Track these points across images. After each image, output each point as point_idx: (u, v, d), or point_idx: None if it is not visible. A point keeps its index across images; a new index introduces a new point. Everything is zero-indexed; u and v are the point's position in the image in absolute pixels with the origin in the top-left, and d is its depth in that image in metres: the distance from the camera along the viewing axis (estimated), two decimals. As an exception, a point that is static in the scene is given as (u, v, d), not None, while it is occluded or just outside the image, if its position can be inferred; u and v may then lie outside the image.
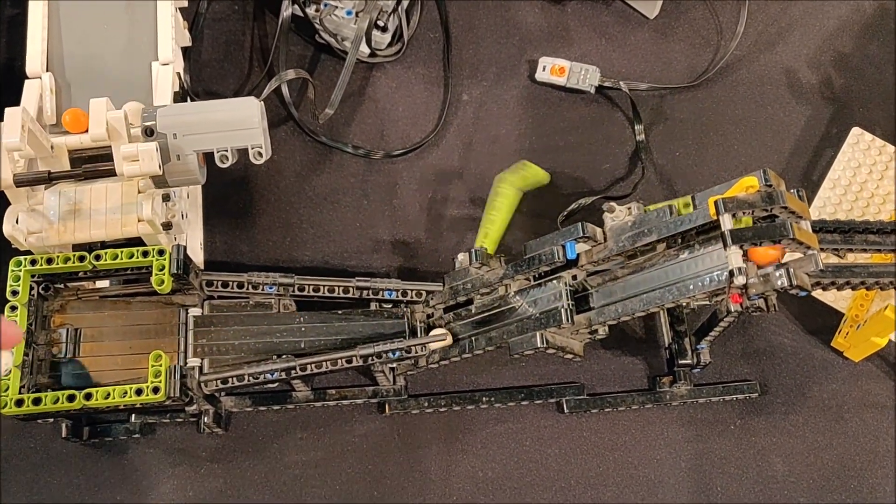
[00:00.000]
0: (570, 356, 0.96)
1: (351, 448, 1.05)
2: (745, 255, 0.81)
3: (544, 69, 1.23)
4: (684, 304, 0.92)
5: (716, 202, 0.82)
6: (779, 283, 0.81)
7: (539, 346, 0.92)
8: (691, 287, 0.86)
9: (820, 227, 0.92)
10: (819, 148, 1.22)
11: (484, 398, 1.07)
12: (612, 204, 0.92)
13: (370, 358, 0.96)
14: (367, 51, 1.23)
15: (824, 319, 1.11)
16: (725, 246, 0.81)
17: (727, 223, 0.81)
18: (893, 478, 1.04)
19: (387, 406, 1.06)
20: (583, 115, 1.23)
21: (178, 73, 1.03)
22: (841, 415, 1.07)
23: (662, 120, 1.23)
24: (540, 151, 1.21)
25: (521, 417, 1.07)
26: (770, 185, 0.82)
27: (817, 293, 1.11)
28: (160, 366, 0.89)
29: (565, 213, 1.12)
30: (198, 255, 1.12)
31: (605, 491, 1.04)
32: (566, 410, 1.06)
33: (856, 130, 1.21)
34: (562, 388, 1.07)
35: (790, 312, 1.12)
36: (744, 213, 0.82)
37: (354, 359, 0.96)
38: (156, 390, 0.88)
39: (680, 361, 1.03)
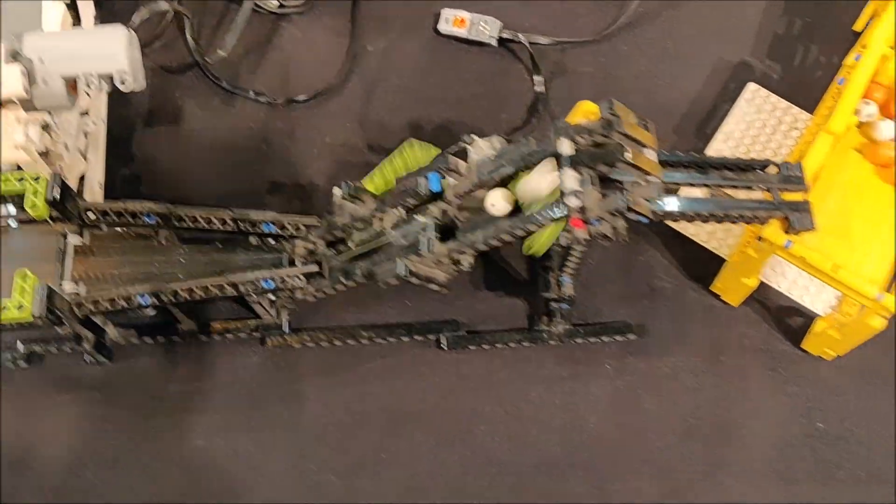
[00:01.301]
0: (435, 287, 0.97)
1: (232, 380, 1.08)
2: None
3: (447, 21, 1.25)
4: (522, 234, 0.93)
5: (554, 126, 0.84)
6: (614, 204, 0.82)
7: (401, 273, 0.94)
8: (538, 216, 0.87)
9: (676, 162, 0.93)
10: (717, 102, 1.23)
11: (364, 333, 1.09)
12: (473, 136, 0.93)
13: (241, 286, 0.99)
14: (276, 2, 1.26)
15: (708, 266, 1.12)
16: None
17: (564, 147, 0.83)
18: (766, 420, 1.06)
19: (268, 339, 1.08)
20: (484, 66, 1.25)
21: (70, 6, 1.05)
22: (717, 357, 1.09)
23: (563, 73, 1.25)
24: (440, 101, 1.23)
25: (401, 353, 1.09)
26: (615, 115, 0.84)
27: (702, 239, 1.13)
28: (26, 284, 0.92)
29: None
30: (97, 195, 1.14)
31: (479, 425, 1.06)
32: (445, 347, 1.08)
33: (751, 86, 1.22)
34: (441, 325, 1.09)
35: (674, 258, 1.14)
36: (582, 137, 0.83)
37: (225, 287, 0.99)
38: (20, 307, 0.91)
39: (544, 294, 1.04)
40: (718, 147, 1.19)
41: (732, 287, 1.08)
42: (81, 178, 1.11)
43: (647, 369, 1.09)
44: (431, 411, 1.07)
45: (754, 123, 1.20)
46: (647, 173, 0.84)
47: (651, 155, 0.85)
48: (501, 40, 1.25)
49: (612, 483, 1.03)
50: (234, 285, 0.99)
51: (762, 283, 1.08)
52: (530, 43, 1.23)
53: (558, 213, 0.83)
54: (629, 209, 0.83)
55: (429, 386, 1.08)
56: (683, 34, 1.27)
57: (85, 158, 1.12)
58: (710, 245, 1.13)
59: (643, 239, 1.15)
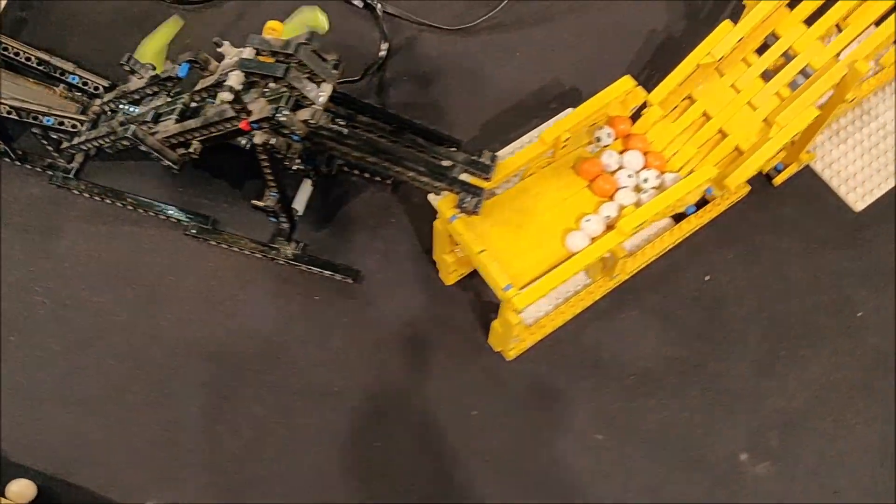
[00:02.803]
0: (165, 162, 1.10)
1: (10, 200, 1.24)
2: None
3: (325, -27, 1.39)
4: (225, 130, 1.04)
5: (249, 38, 0.96)
6: (267, 111, 0.94)
7: (128, 136, 1.07)
8: (224, 113, 0.99)
9: (362, 107, 1.04)
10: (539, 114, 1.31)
11: (130, 199, 1.23)
12: (219, 39, 1.06)
13: (25, 114, 1.15)
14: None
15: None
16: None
17: (245, 53, 0.95)
18: (439, 400, 1.13)
19: (53, 177, 1.24)
20: (345, 21, 1.38)
21: None
22: (409, 324, 1.17)
23: (411, 49, 1.36)
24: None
25: (156, 227, 1.23)
26: (305, 43, 0.95)
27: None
28: None
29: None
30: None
31: (177, 302, 1.18)
32: (190, 233, 1.21)
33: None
34: (196, 216, 1.22)
35: (425, 228, 1.21)
36: (265, 51, 0.95)
37: (11, 110, 1.15)
38: None
39: (252, 202, 1.14)
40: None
41: (441, 262, 1.16)
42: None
43: (346, 311, 1.18)
44: (154, 278, 1.19)
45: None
46: (313, 103, 0.95)
47: (325, 88, 0.96)
48: (366, 4, 1.37)
49: (265, 375, 1.13)
50: (19, 111, 1.16)
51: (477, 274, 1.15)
52: (384, 13, 1.35)
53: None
54: (276, 121, 0.94)
55: (163, 259, 1.20)
56: (532, 39, 1.37)
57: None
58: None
59: (402, 205, 1.24)
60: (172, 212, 1.23)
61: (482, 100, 1.33)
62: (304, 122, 0.95)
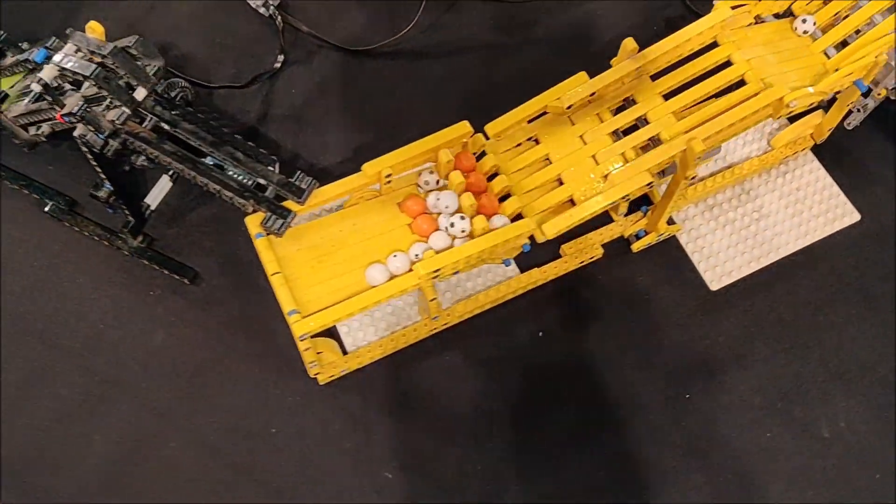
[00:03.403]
0: (17, 141, 1.13)
1: None
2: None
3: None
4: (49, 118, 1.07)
5: (70, 34, 0.98)
6: (75, 106, 0.96)
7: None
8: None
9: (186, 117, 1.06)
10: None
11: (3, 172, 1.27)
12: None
13: None
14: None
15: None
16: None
17: (65, 49, 0.98)
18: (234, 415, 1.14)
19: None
20: (249, 28, 1.40)
21: None
22: (236, 334, 1.18)
23: (307, 63, 1.38)
24: (193, 35, 1.38)
25: (21, 200, 1.25)
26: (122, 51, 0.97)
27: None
28: None
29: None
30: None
31: (17, 278, 1.21)
32: (46, 210, 1.24)
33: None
34: (56, 194, 1.25)
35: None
36: (91, 52, 0.97)
37: None
38: None
39: (92, 192, 1.16)
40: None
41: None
42: None
43: (176, 310, 1.19)
44: (3, 248, 1.22)
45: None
46: (126, 104, 0.97)
47: (140, 93, 0.98)
48: (272, 16, 1.39)
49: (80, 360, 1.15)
50: None
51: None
52: (285, 24, 1.37)
53: (31, 87, 0.98)
54: (83, 117, 0.96)
55: (16, 232, 1.23)
56: (429, 72, 1.38)
57: None
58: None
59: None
60: (35, 188, 1.26)
61: (363, 122, 1.33)
62: (111, 122, 0.97)
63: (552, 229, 1.06)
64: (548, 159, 1.14)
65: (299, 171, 1.04)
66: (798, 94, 1.07)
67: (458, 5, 1.44)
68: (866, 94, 1.24)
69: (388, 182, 1.07)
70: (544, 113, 1.16)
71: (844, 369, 1.19)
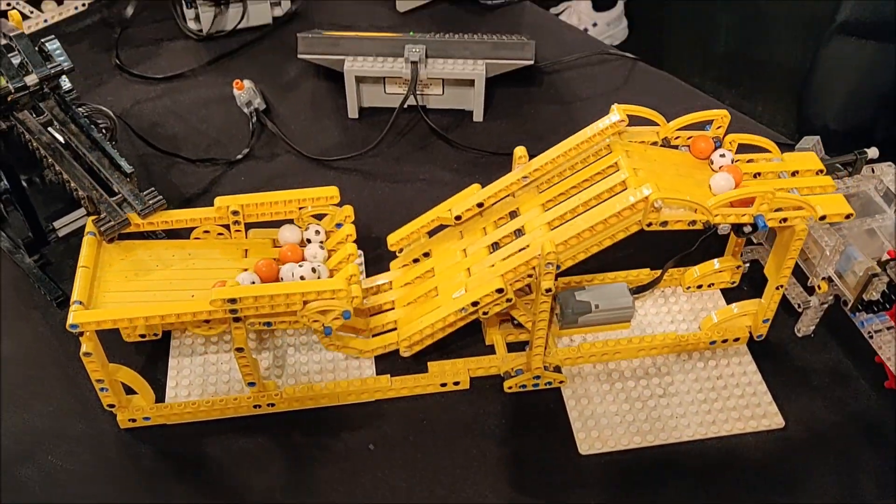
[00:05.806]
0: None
1: None
2: None
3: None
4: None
5: None
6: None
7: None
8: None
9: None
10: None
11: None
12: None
13: None
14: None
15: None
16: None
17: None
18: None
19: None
20: (232, 117, 1.49)
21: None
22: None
23: (269, 162, 1.43)
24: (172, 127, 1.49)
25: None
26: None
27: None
28: None
29: None
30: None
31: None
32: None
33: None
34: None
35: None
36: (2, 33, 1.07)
37: None
38: None
39: None
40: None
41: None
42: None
43: (36, 329, 1.18)
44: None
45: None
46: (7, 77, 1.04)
47: (29, 79, 1.04)
48: (250, 115, 1.48)
49: None
50: None
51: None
52: (257, 122, 1.45)
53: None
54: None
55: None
56: (378, 189, 1.38)
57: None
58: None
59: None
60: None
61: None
62: (-1, 88, 1.03)
63: (404, 334, 1.01)
64: (432, 272, 1.10)
65: (153, 189, 1.05)
66: (667, 194, 0.93)
67: (430, 145, 1.47)
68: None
69: (238, 229, 1.05)
70: (446, 226, 1.13)
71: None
